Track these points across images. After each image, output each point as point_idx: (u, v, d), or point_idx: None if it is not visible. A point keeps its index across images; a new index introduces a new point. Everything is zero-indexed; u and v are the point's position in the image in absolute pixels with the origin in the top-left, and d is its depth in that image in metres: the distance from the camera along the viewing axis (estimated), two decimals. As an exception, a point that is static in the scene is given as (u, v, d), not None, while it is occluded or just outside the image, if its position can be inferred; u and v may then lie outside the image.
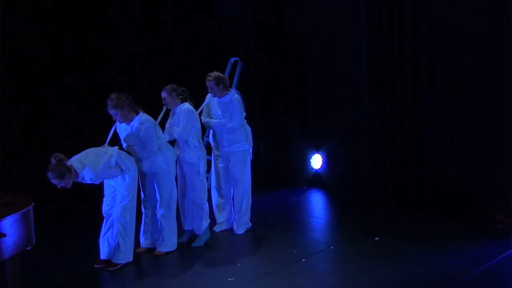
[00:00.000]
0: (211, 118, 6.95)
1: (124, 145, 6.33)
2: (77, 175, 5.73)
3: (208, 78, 6.80)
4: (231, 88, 7.22)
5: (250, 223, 7.20)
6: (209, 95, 6.95)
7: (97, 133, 8.30)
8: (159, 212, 6.43)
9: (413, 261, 6.09)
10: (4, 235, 4.73)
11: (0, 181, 7.39)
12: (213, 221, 7.12)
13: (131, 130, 6.23)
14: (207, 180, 7.06)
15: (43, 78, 8.27)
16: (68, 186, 5.72)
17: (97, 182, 6.00)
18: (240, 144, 6.96)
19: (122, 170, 6.01)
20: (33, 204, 5.11)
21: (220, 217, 7.20)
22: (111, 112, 6.16)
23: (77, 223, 7.54)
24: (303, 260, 6.25)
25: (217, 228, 7.18)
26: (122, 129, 6.33)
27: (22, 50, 8.10)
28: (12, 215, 4.84)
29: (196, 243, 6.74)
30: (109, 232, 6.17)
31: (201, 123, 6.84)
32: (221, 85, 6.83)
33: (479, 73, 7.27)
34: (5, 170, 7.76)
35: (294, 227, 7.36)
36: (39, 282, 5.86)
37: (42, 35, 8.22)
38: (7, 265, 5.03)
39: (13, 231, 4.84)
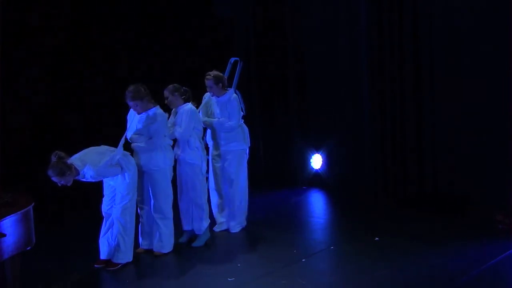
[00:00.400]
0: (209, 117, 6.97)
1: (129, 134, 6.30)
2: (77, 173, 5.73)
3: (207, 76, 6.82)
4: (230, 88, 7.22)
5: (245, 222, 7.22)
6: (207, 94, 6.97)
7: (97, 133, 8.36)
8: (155, 215, 6.41)
9: (413, 261, 6.09)
10: (4, 235, 4.73)
11: (0, 181, 7.39)
12: (213, 221, 7.13)
13: (145, 118, 6.20)
14: (207, 180, 7.06)
15: (43, 78, 8.28)
16: (69, 184, 5.72)
17: (97, 180, 6.00)
18: (236, 143, 6.98)
19: (122, 169, 6.01)
20: (33, 204, 5.11)
21: (220, 217, 7.21)
22: (130, 103, 6.18)
23: (77, 223, 7.54)
24: (303, 260, 6.25)
25: (217, 228, 7.18)
26: (134, 117, 6.31)
27: (22, 50, 8.10)
28: (12, 215, 4.84)
29: (196, 243, 6.74)
30: (109, 232, 6.17)
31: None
32: (220, 84, 6.84)
33: (479, 73, 7.27)
34: (5, 170, 7.76)
35: (294, 227, 7.36)
36: (39, 282, 5.86)
37: (43, 35, 8.23)
38: (7, 265, 5.03)
39: (13, 231, 4.84)
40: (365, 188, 8.39)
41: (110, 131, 6.92)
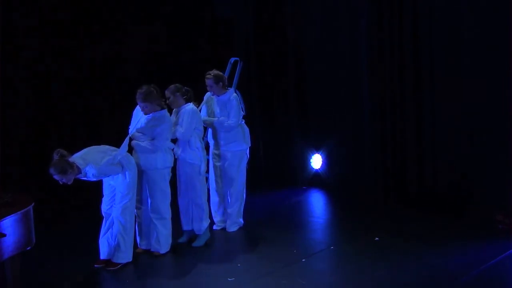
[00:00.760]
0: (210, 116, 6.97)
1: (132, 130, 6.31)
2: (79, 171, 5.74)
3: (207, 76, 6.83)
4: (231, 87, 7.23)
5: (242, 222, 7.22)
6: (207, 94, 6.97)
7: (97, 133, 8.36)
8: (152, 216, 6.41)
9: (413, 261, 6.09)
10: (4, 235, 4.73)
11: (0, 181, 7.39)
12: (213, 221, 7.13)
13: (151, 118, 6.20)
14: (206, 181, 7.07)
15: (43, 77, 8.28)
16: (70, 183, 5.73)
17: (99, 178, 6.01)
18: (237, 143, 6.99)
19: (122, 168, 6.01)
20: (33, 204, 5.11)
21: (219, 217, 7.22)
22: (141, 104, 6.20)
23: (77, 223, 7.54)
24: (303, 260, 6.25)
25: (217, 228, 7.19)
26: (140, 115, 6.32)
27: (22, 50, 8.10)
28: (12, 215, 4.85)
29: (196, 243, 6.74)
30: (108, 232, 6.16)
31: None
32: (220, 83, 6.85)
33: (479, 73, 7.27)
34: (5, 170, 7.76)
35: (294, 227, 7.36)
36: (39, 282, 5.86)
37: (43, 34, 8.22)
38: (7, 265, 5.03)
39: (13, 231, 4.84)
40: (365, 188, 8.39)
41: (110, 131, 6.94)
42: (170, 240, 6.52)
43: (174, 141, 6.58)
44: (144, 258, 6.40)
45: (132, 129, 6.32)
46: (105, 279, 6.00)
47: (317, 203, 8.75)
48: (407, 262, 6.06)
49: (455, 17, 7.43)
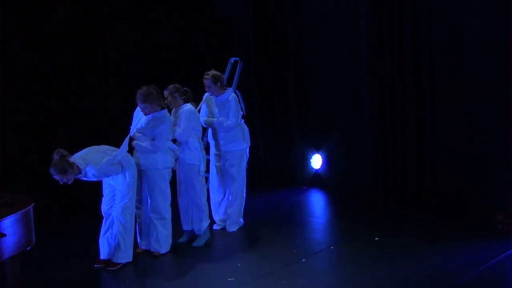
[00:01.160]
0: (209, 117, 6.97)
1: (133, 130, 6.31)
2: (79, 171, 5.74)
3: (205, 76, 6.83)
4: (231, 87, 7.23)
5: (242, 222, 7.22)
6: (206, 94, 6.98)
7: (97, 133, 8.36)
8: (152, 216, 6.41)
9: (413, 261, 6.09)
10: (4, 235, 4.73)
11: (0, 181, 7.39)
12: (213, 220, 7.13)
13: (151, 119, 6.21)
14: (206, 180, 7.07)
15: (43, 78, 8.28)
16: (70, 182, 5.74)
17: (99, 179, 6.01)
18: (236, 143, 6.99)
19: (122, 168, 6.01)
20: (33, 204, 5.11)
21: (220, 216, 7.22)
22: (141, 105, 6.21)
23: (77, 223, 7.54)
24: (303, 260, 6.25)
25: (217, 227, 7.19)
26: (141, 115, 6.32)
27: (22, 50, 8.10)
28: (12, 215, 4.85)
29: (196, 243, 6.74)
30: (108, 231, 6.16)
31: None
32: (219, 84, 6.85)
33: (479, 73, 7.26)
34: (5, 170, 7.76)
35: (294, 227, 7.36)
36: (39, 282, 5.86)
37: (43, 34, 8.23)
38: (7, 265, 5.03)
39: (13, 231, 4.84)
40: (365, 188, 8.38)
41: (110, 131, 6.94)
42: (170, 240, 6.51)
43: (175, 141, 6.59)
44: (144, 258, 6.40)
45: (132, 129, 6.32)
46: (105, 279, 6.00)
47: (317, 203, 8.75)
48: (407, 262, 6.06)
49: (455, 17, 7.43)
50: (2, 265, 5.01)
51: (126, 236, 6.13)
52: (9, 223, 4.80)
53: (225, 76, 7.83)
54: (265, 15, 9.24)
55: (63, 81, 8.43)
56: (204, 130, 7.19)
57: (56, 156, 5.68)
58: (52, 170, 5.63)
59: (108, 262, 6.17)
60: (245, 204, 7.26)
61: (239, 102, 7.17)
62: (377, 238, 6.74)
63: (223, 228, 7.18)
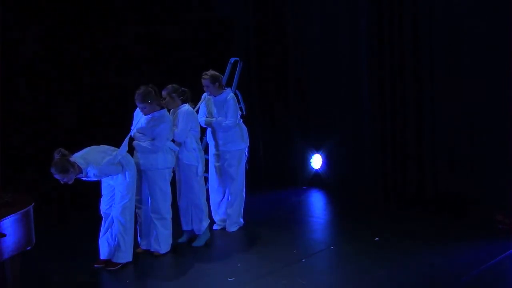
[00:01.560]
0: (208, 117, 6.98)
1: (133, 131, 6.31)
2: (80, 171, 5.74)
3: (204, 76, 6.83)
4: (229, 87, 7.23)
5: (242, 221, 7.22)
6: (205, 94, 6.98)
7: (97, 132, 8.35)
8: (153, 216, 6.41)
9: (413, 261, 6.09)
10: (4, 235, 4.73)
11: (0, 181, 7.39)
12: (213, 220, 7.13)
13: (151, 119, 6.21)
14: (206, 180, 7.07)
15: (43, 77, 8.28)
16: (70, 182, 5.74)
17: (100, 178, 6.01)
18: (235, 143, 7.00)
19: (122, 167, 6.01)
20: (33, 204, 5.11)
21: (220, 216, 7.22)
22: (139, 105, 6.21)
23: (77, 223, 7.54)
24: (303, 260, 6.25)
25: (217, 227, 7.19)
26: (140, 115, 6.32)
27: (22, 50, 8.11)
28: (12, 215, 4.85)
29: (196, 243, 6.74)
30: (108, 231, 6.16)
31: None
32: (217, 83, 6.85)
33: (479, 73, 7.27)
34: (5, 170, 7.77)
35: (294, 227, 7.36)
36: (39, 282, 5.86)
37: (43, 34, 8.23)
38: (7, 265, 5.03)
39: (13, 231, 4.84)
40: (365, 188, 8.39)
41: (110, 131, 6.93)
42: (170, 240, 6.51)
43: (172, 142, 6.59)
44: (144, 258, 6.40)
45: (132, 129, 6.32)
46: (105, 279, 6.00)
47: (317, 203, 8.75)
48: (407, 262, 6.06)
49: (455, 17, 7.43)
50: (2, 265, 5.00)
51: (126, 236, 6.13)
52: (9, 223, 4.80)
53: (225, 76, 7.83)
54: (265, 15, 9.24)
55: (63, 81, 8.43)
56: (203, 130, 7.19)
57: (57, 156, 5.68)
58: (53, 170, 5.63)
59: (108, 262, 6.16)
60: (245, 204, 7.26)
61: (239, 102, 7.17)
62: (377, 238, 6.74)
63: (223, 228, 7.19)
